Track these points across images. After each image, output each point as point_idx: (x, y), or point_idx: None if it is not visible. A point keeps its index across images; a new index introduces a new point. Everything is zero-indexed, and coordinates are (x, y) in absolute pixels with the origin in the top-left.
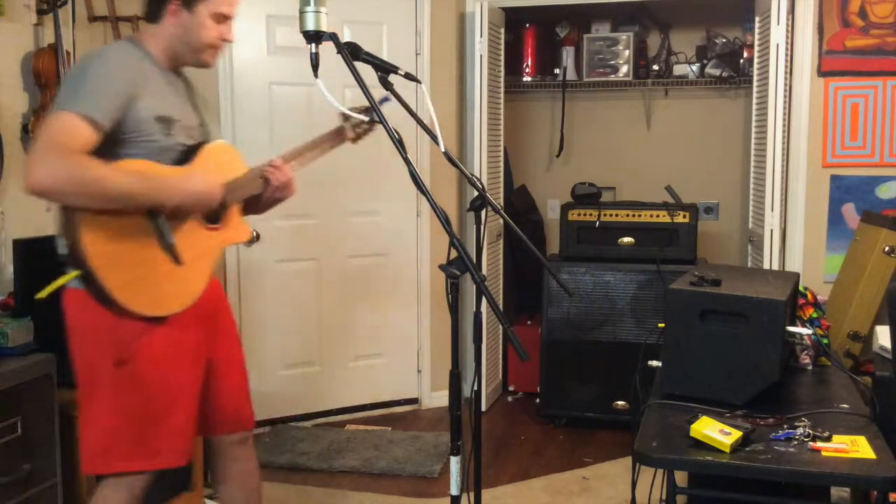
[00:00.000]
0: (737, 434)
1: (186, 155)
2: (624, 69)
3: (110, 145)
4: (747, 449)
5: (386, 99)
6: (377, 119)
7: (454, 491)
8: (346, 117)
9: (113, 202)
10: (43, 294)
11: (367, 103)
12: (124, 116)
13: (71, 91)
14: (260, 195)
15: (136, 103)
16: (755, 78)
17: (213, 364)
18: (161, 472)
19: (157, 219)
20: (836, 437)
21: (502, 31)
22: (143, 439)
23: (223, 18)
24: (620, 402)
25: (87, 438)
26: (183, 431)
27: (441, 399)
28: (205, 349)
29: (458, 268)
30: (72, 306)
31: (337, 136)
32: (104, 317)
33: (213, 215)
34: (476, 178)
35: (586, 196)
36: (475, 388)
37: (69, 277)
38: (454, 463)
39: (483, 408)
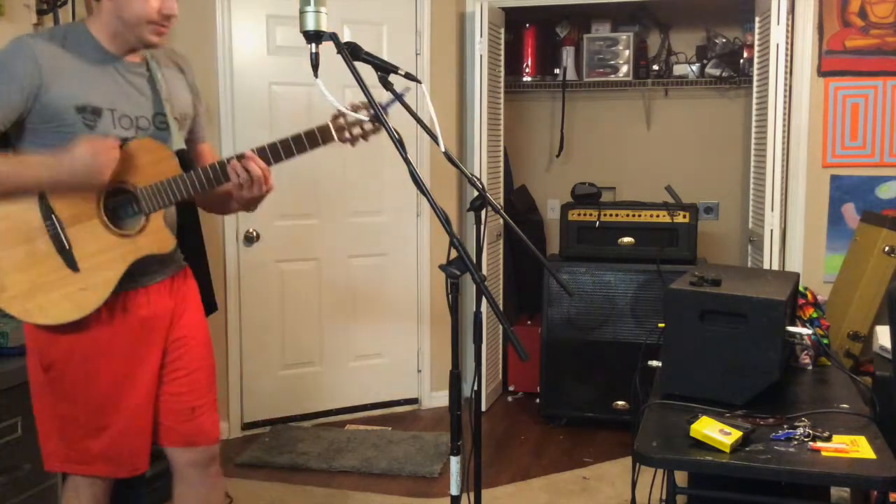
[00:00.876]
0: (737, 434)
1: None
2: (624, 69)
3: (19, 135)
4: (747, 449)
5: (398, 98)
6: (378, 120)
7: (454, 491)
8: (338, 115)
9: None
10: None
11: (366, 101)
12: (33, 107)
13: None
14: (229, 193)
15: (45, 93)
16: (755, 78)
17: (164, 369)
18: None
19: (51, 219)
20: (836, 437)
21: (502, 31)
22: (77, 445)
23: None
24: (620, 402)
25: (39, 436)
26: (122, 441)
27: (441, 399)
28: (151, 353)
29: (458, 268)
30: None
31: (320, 137)
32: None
33: (130, 221)
34: (476, 178)
35: (586, 196)
36: (475, 388)
37: None
38: (454, 463)
39: (483, 408)
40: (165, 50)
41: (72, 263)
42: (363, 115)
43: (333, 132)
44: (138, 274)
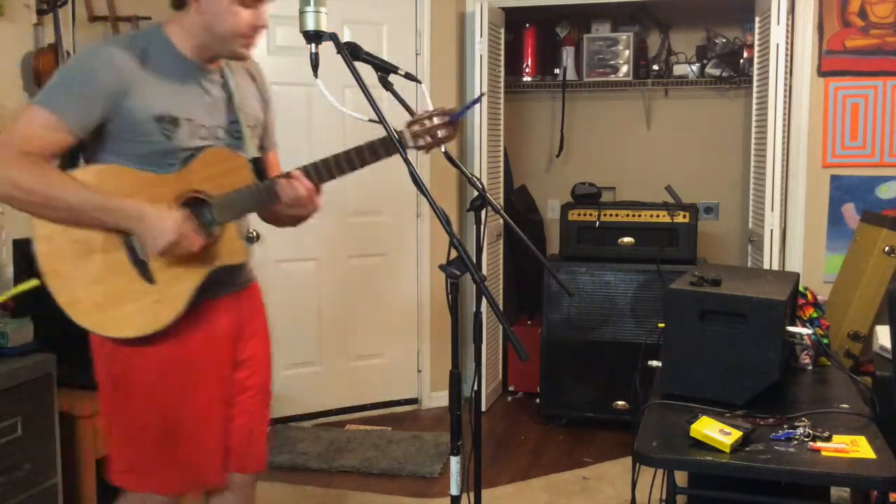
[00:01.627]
0: (737, 434)
1: (189, 160)
2: (624, 69)
3: (98, 144)
4: (747, 449)
5: (477, 100)
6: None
7: (454, 491)
8: (414, 121)
9: (64, 216)
10: (1, 298)
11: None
12: (114, 115)
13: (52, 86)
14: (277, 209)
15: (125, 102)
16: (755, 78)
17: (234, 392)
18: None
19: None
20: (836, 437)
21: (502, 31)
22: (146, 464)
23: (252, 2)
24: (620, 402)
25: (108, 448)
26: (192, 462)
27: (441, 399)
28: (223, 372)
29: (458, 268)
30: None
31: (390, 147)
32: (94, 335)
33: (205, 231)
34: (476, 178)
35: (586, 196)
36: (475, 388)
37: (27, 286)
38: (454, 463)
39: (483, 408)
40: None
41: (147, 275)
42: (364, 117)
43: (409, 139)
44: (209, 286)
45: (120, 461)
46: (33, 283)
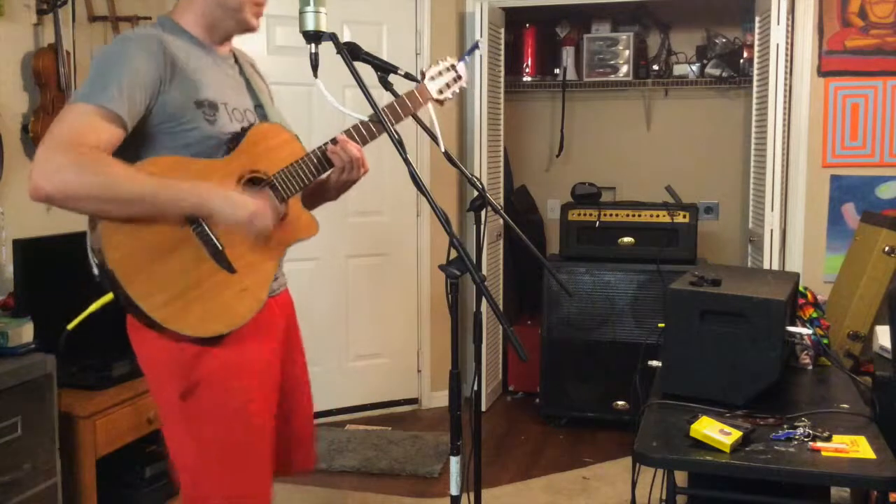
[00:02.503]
0: (737, 434)
1: (234, 143)
2: (624, 69)
3: (139, 141)
4: (747, 449)
5: (475, 47)
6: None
7: (454, 491)
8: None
9: (135, 209)
10: (72, 325)
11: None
12: (154, 105)
13: (90, 81)
14: (325, 181)
15: (167, 88)
16: (755, 78)
17: (286, 389)
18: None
19: (199, 222)
20: (836, 437)
21: (502, 31)
22: (233, 476)
23: None
24: (620, 402)
25: (180, 479)
26: (268, 465)
27: (441, 399)
28: (278, 370)
29: (458, 268)
30: (133, 336)
31: (417, 100)
32: (161, 343)
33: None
34: (476, 178)
35: (586, 196)
36: (475, 388)
37: (102, 302)
38: (454, 463)
39: (483, 408)
40: (234, 49)
41: (227, 265)
42: (364, 116)
43: (431, 92)
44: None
45: (196, 484)
46: (107, 298)
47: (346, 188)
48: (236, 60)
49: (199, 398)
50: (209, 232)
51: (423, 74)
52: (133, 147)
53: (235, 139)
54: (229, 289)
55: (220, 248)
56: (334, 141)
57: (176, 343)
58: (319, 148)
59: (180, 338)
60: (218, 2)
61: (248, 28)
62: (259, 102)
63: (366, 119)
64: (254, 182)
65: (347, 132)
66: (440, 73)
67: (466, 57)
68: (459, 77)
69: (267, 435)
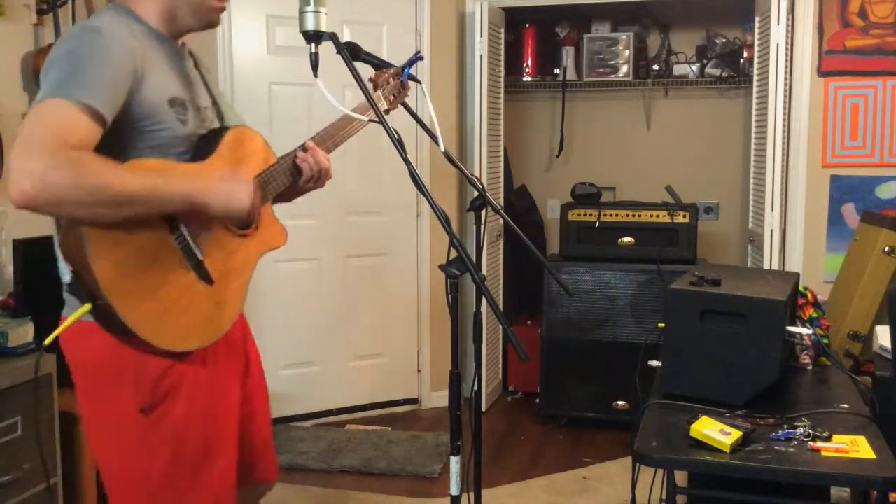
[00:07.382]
0: (737, 434)
1: (205, 145)
2: (624, 69)
3: (115, 141)
4: (747, 449)
5: (418, 58)
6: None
7: (454, 491)
8: (375, 79)
9: (125, 209)
10: (49, 340)
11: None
12: (131, 102)
13: (66, 74)
14: (289, 186)
15: (142, 84)
16: (755, 78)
17: (246, 400)
18: None
19: (179, 231)
20: (836, 437)
21: (502, 31)
22: (196, 494)
23: None
24: (620, 402)
25: (115, 500)
26: (229, 481)
27: (441, 399)
28: (239, 383)
29: (458, 268)
30: (75, 342)
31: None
32: (124, 354)
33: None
34: (476, 178)
35: (586, 196)
36: (475, 388)
37: (80, 313)
38: (454, 463)
39: (483, 408)
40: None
41: (205, 276)
42: (364, 117)
43: (384, 100)
44: None
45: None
46: (85, 308)
47: (304, 193)
48: (191, 53)
49: (165, 413)
50: (189, 241)
51: (374, 82)
52: (101, 150)
53: (203, 142)
54: (207, 301)
55: (200, 258)
56: (304, 148)
57: (142, 355)
58: (289, 154)
59: (150, 349)
60: None
61: (210, 24)
62: (215, 99)
63: (335, 121)
64: None
65: (314, 139)
66: (388, 81)
67: (408, 69)
68: (404, 87)
69: (233, 450)
